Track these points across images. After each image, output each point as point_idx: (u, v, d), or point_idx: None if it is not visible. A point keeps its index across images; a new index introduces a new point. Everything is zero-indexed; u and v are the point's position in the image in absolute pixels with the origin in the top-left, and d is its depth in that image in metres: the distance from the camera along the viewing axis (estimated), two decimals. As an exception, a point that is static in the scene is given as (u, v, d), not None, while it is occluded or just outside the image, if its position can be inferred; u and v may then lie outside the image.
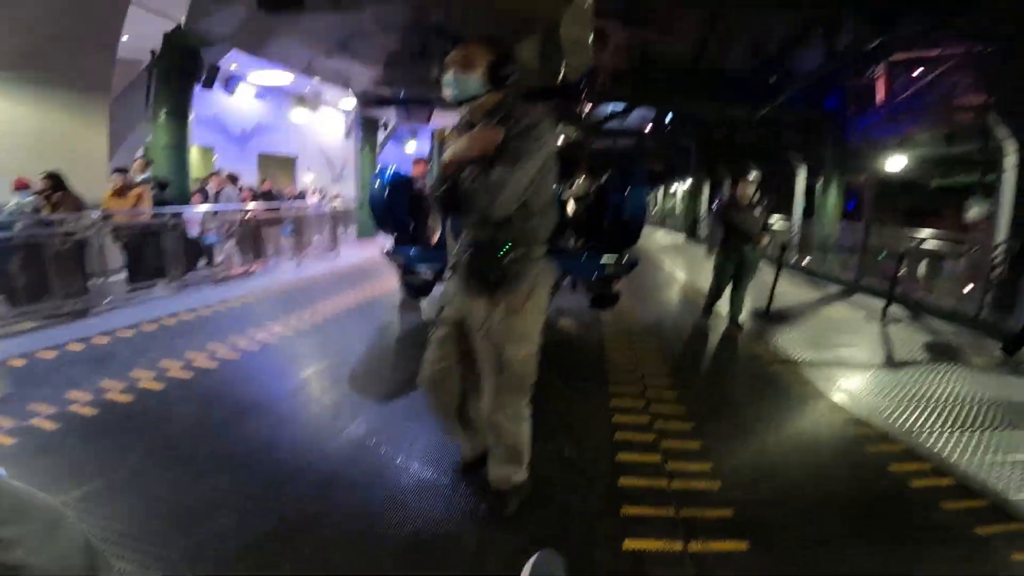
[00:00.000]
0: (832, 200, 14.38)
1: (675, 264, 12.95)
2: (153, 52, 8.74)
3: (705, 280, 6.71)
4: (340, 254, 11.26)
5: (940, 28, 7.21)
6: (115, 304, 6.31)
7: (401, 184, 5.14)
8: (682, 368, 5.11)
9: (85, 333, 5.13)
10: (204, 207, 8.74)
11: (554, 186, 2.06)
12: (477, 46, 1.99)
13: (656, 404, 4.02)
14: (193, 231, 8.01)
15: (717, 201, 6.43)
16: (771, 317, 6.95)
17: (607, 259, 4.45)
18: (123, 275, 6.93)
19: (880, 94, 12.61)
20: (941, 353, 5.90)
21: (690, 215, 22.20)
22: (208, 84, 9.04)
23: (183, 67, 8.87)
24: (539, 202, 1.98)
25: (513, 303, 2.01)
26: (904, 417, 3.98)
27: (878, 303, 8.08)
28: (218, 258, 8.62)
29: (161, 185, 8.10)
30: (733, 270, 5.99)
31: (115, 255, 6.84)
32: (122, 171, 7.14)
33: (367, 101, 4.16)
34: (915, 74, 11.15)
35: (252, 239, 8.87)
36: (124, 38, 8.87)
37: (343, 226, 15.91)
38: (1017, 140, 7.04)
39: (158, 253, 7.14)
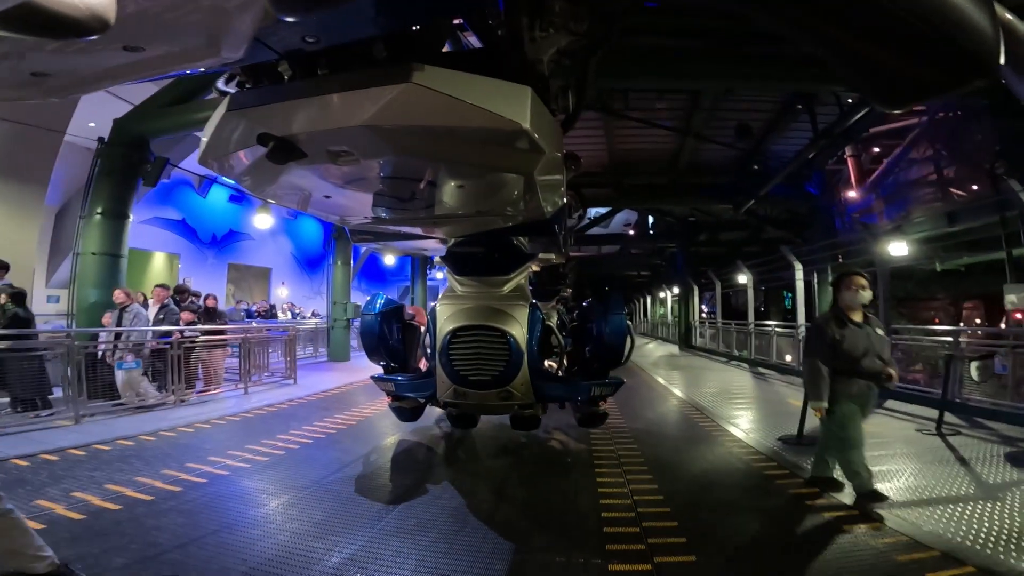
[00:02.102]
0: (831, 296, 13.58)
1: (671, 379, 11.35)
2: (101, 140, 8.02)
3: (717, 400, 5.48)
4: (298, 382, 9.77)
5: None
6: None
7: (392, 313, 5.10)
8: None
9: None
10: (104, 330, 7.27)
11: None
12: None
13: None
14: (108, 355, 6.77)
15: (810, 328, 4.35)
16: (803, 443, 5.48)
17: (592, 382, 4.47)
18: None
19: (856, 175, 12.37)
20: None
21: (683, 324, 21.28)
22: (151, 182, 8.27)
23: (127, 159, 8.09)
24: None
25: None
26: None
27: (920, 410, 6.97)
28: (140, 386, 7.04)
29: (16, 297, 6.51)
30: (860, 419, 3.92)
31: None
32: None
33: (359, 234, 4.09)
34: (891, 150, 10.84)
35: (178, 364, 7.30)
36: (91, 124, 8.31)
37: (313, 347, 14.82)
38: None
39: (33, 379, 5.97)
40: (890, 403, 7.84)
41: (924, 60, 1.88)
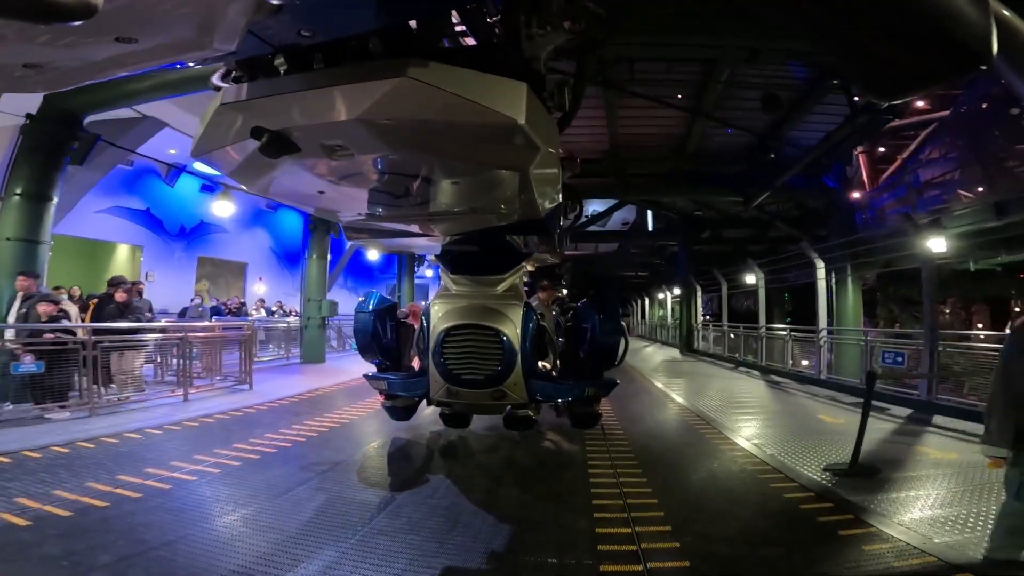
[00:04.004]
0: (851, 298, 12.59)
1: (673, 386, 10.25)
2: (29, 116, 7.04)
3: (732, 414, 4.63)
4: (255, 387, 8.64)
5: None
6: None
7: (385, 311, 5.09)
8: None
9: None
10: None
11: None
12: None
13: None
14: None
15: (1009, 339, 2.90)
16: (859, 474, 4.46)
17: (586, 382, 4.52)
18: None
19: (868, 172, 11.36)
20: None
21: (684, 326, 20.17)
22: (78, 160, 7.17)
23: (55, 136, 7.11)
24: None
25: None
26: None
27: (973, 427, 5.92)
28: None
29: None
30: None
31: None
32: None
33: (352, 231, 3.78)
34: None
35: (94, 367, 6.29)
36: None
37: (284, 348, 13.66)
38: None
39: None
40: (939, 419, 6.79)
41: (917, 50, 1.86)
